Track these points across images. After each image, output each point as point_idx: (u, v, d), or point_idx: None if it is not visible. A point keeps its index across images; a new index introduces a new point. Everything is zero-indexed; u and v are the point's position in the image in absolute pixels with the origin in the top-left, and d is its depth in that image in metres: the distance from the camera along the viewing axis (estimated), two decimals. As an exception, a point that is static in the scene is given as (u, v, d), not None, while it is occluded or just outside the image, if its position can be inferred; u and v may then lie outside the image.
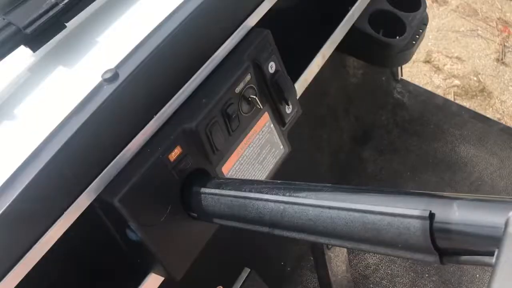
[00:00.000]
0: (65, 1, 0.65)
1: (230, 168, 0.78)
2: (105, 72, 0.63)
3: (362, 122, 1.64)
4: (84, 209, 0.61)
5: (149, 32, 0.68)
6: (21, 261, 0.55)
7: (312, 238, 0.55)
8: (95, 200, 0.62)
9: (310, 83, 0.98)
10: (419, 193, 0.47)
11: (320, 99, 1.36)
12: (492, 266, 0.37)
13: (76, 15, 0.69)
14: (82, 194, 0.60)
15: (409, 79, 1.75)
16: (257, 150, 0.83)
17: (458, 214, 0.42)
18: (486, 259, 0.41)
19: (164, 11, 0.70)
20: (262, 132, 0.83)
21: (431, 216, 0.43)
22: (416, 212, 0.44)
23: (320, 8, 1.11)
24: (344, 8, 1.06)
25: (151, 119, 0.66)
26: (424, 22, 1.29)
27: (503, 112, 2.04)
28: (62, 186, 0.58)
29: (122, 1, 0.74)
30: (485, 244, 0.41)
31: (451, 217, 0.43)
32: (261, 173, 0.85)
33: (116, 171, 0.63)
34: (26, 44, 0.64)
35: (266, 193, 0.58)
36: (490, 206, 0.41)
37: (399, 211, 0.46)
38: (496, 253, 0.38)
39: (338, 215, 0.50)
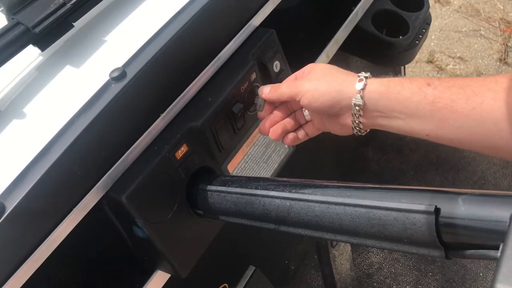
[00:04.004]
0: (72, 1, 0.66)
1: (236, 166, 0.79)
2: (113, 71, 0.64)
3: (366, 122, 1.64)
4: (92, 206, 0.62)
5: (156, 31, 0.69)
6: (31, 257, 0.56)
7: (318, 234, 0.55)
8: (103, 197, 0.63)
9: (314, 82, 0.98)
10: (424, 188, 0.47)
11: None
12: (497, 260, 0.37)
13: (84, 14, 0.69)
14: (90, 192, 0.60)
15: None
16: (262, 148, 0.83)
17: (463, 208, 0.43)
18: (491, 253, 0.42)
19: (171, 10, 0.71)
20: (267, 130, 0.84)
21: (437, 211, 0.44)
22: (421, 207, 0.45)
23: (324, 7, 1.11)
24: (348, 8, 1.07)
25: (157, 118, 0.67)
26: (427, 22, 1.29)
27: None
28: (71, 184, 0.59)
29: (129, 1, 0.75)
30: (490, 238, 0.41)
31: (456, 212, 0.43)
32: (266, 172, 0.85)
33: (124, 168, 0.64)
34: (34, 44, 0.65)
35: (272, 190, 0.59)
36: (495, 201, 0.42)
37: (405, 206, 0.46)
38: (501, 247, 0.38)
39: (344, 211, 0.51)
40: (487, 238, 0.42)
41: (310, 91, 0.63)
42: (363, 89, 0.59)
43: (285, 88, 0.68)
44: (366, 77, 0.59)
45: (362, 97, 0.59)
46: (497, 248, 0.40)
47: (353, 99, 0.59)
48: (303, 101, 0.65)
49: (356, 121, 0.62)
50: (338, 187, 0.54)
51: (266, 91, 0.72)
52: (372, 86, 0.59)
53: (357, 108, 0.60)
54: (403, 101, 0.57)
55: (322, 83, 0.62)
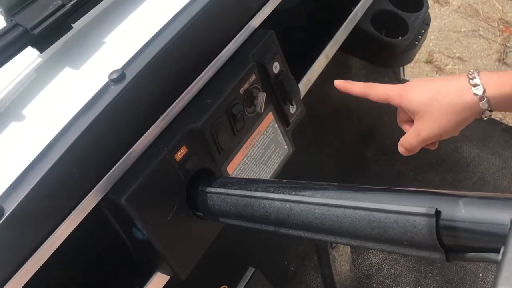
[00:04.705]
0: (71, 3, 0.66)
1: (235, 168, 0.79)
2: (112, 73, 0.63)
3: (365, 123, 1.64)
4: (91, 208, 0.62)
5: (155, 32, 0.68)
6: (30, 259, 0.56)
7: (318, 236, 0.55)
8: (102, 199, 0.62)
9: (314, 83, 0.98)
10: (424, 191, 0.47)
11: (323, 99, 1.37)
12: (498, 263, 0.37)
13: (83, 16, 0.69)
14: (89, 194, 0.60)
15: (411, 80, 1.75)
16: (262, 150, 0.83)
17: (464, 211, 0.43)
18: (492, 256, 0.42)
19: (170, 11, 0.71)
20: (267, 132, 0.84)
21: (437, 213, 0.44)
22: (422, 210, 0.45)
23: (323, 8, 1.11)
24: (347, 9, 1.06)
25: (157, 119, 0.66)
26: (426, 22, 1.29)
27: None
28: (70, 186, 0.59)
29: (128, 2, 0.75)
30: (491, 241, 0.41)
31: (457, 215, 0.43)
32: (266, 173, 0.85)
33: (123, 170, 0.64)
34: (33, 45, 0.65)
35: (272, 192, 0.59)
36: (496, 203, 0.42)
37: (405, 209, 0.46)
38: (502, 250, 0.38)
39: (344, 213, 0.51)
40: (488, 241, 0.41)
41: (445, 135, 0.62)
42: (489, 105, 0.58)
43: (416, 143, 0.65)
44: (484, 91, 0.57)
45: (490, 110, 0.58)
46: (498, 251, 0.40)
47: (483, 115, 0.59)
48: (442, 139, 0.65)
49: (485, 118, 0.61)
50: (338, 189, 0.54)
51: (403, 151, 0.69)
52: (497, 101, 0.57)
53: (486, 117, 0.60)
54: None
55: (449, 121, 0.61)
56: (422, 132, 0.63)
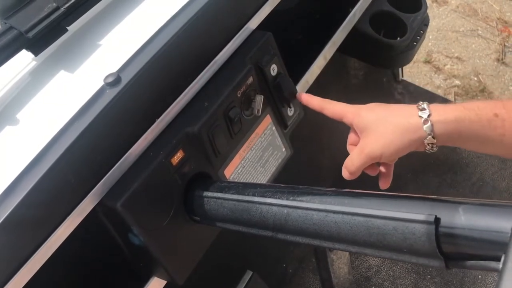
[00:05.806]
0: (66, 5, 0.65)
1: (233, 171, 0.78)
2: (107, 76, 0.63)
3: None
4: (87, 213, 0.61)
5: (151, 35, 0.68)
6: (25, 265, 0.55)
7: (316, 242, 0.55)
8: (98, 204, 0.62)
9: (312, 84, 0.98)
10: (424, 197, 0.47)
11: (321, 100, 1.36)
12: (499, 272, 0.37)
13: (78, 18, 0.68)
14: (85, 199, 0.60)
15: (409, 80, 1.75)
16: (259, 153, 0.83)
17: (464, 218, 0.42)
18: (492, 264, 0.41)
19: (166, 14, 0.70)
20: (264, 134, 0.83)
21: (437, 220, 0.43)
22: (421, 217, 0.44)
23: (321, 9, 1.11)
24: (345, 10, 1.06)
25: (153, 123, 0.66)
26: (425, 23, 1.28)
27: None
28: (65, 191, 0.58)
29: (123, 5, 0.74)
30: (491, 249, 0.41)
31: (456, 222, 0.43)
32: (263, 176, 0.84)
33: (119, 175, 0.63)
34: (28, 48, 0.64)
35: (270, 197, 0.58)
36: (496, 211, 0.41)
37: (404, 215, 0.45)
38: (502, 259, 0.37)
39: (343, 219, 0.50)
40: (488, 249, 0.41)
41: (386, 155, 0.64)
42: (432, 130, 0.60)
43: (358, 161, 0.67)
44: (429, 115, 0.60)
45: (434, 137, 0.61)
46: (498, 259, 0.39)
47: (425, 140, 0.62)
48: (382, 161, 0.67)
49: (429, 151, 0.64)
50: (337, 194, 0.54)
51: (346, 175, 0.71)
52: (440, 126, 0.60)
53: (430, 145, 0.62)
54: (473, 135, 0.60)
55: (392, 141, 0.63)
56: (365, 148, 0.66)
